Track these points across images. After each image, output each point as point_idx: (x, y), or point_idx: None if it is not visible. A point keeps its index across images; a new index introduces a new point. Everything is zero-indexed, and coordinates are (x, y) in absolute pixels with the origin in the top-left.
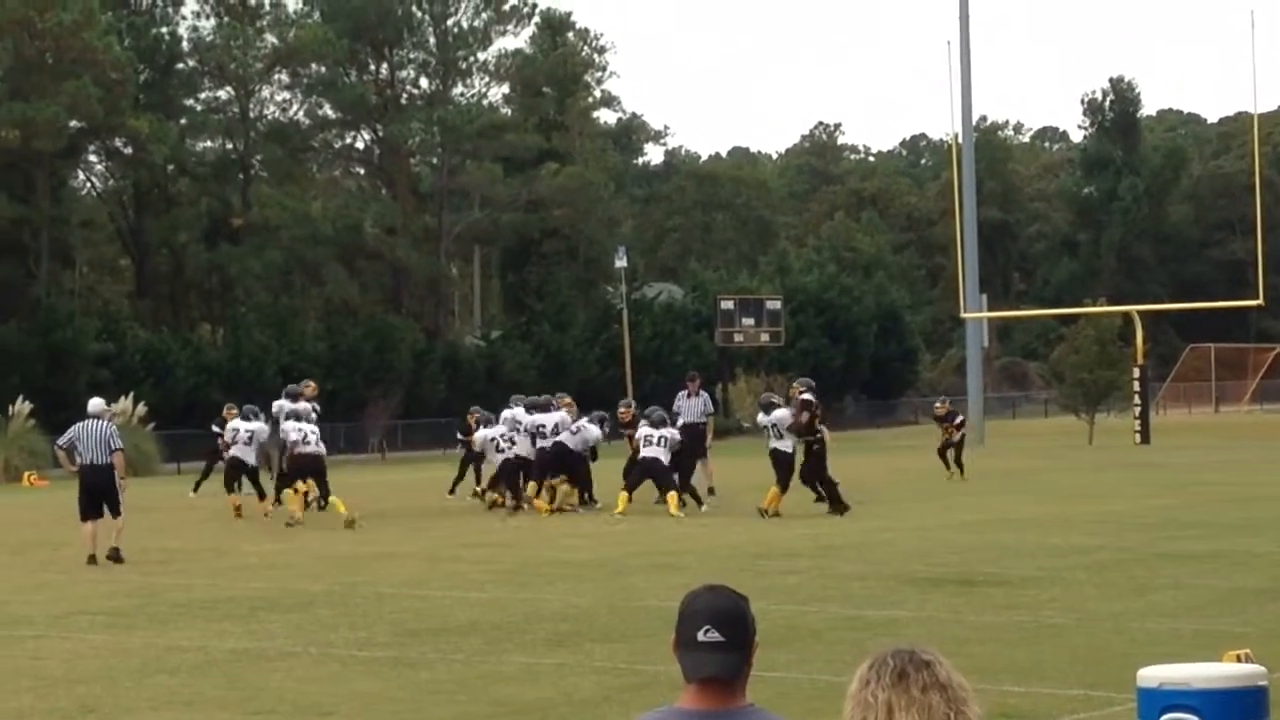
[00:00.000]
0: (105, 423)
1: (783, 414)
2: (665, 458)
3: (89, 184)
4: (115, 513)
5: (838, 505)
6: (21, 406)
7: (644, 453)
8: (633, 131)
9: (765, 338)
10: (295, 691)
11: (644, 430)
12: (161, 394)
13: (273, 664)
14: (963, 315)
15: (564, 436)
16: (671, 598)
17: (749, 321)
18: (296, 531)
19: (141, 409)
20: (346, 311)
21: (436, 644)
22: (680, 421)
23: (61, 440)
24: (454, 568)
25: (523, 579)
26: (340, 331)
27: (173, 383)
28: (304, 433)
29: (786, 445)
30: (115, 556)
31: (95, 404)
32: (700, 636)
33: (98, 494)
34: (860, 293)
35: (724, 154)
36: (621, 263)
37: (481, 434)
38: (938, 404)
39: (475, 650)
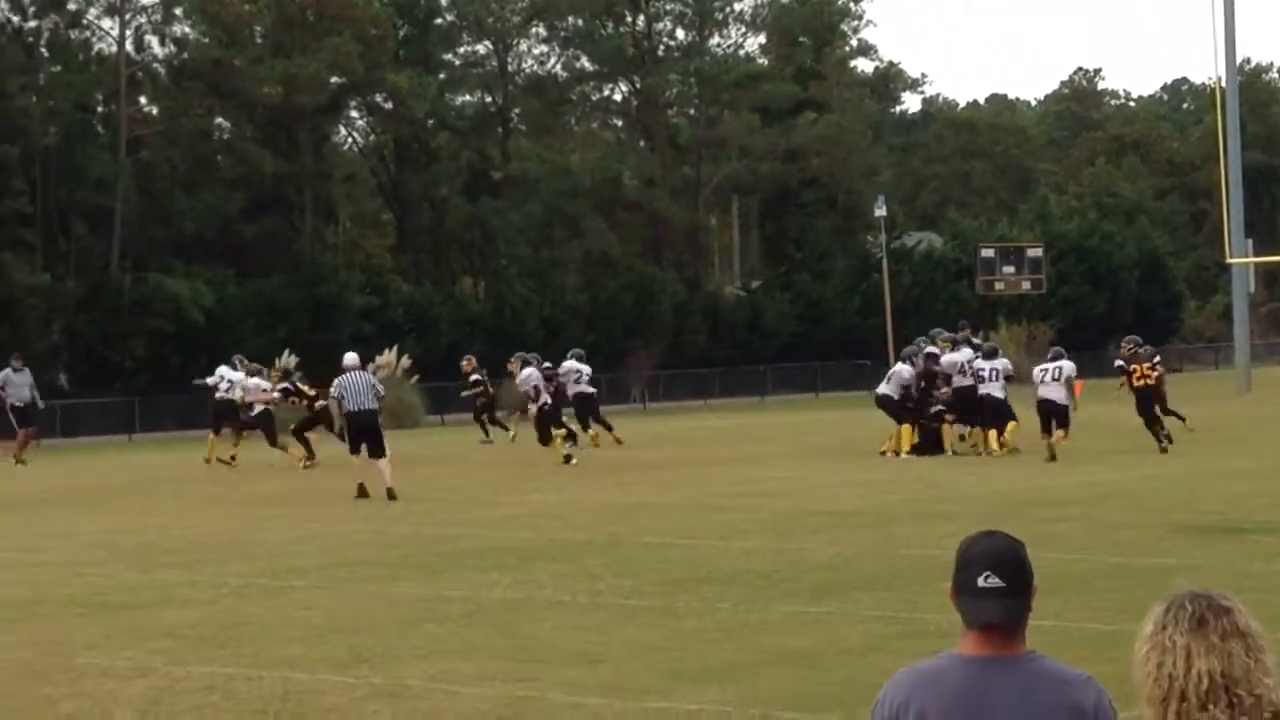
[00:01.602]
0: (363, 373)
1: (1005, 363)
2: (1001, 392)
3: (350, 139)
4: (380, 454)
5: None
6: (288, 360)
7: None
8: (890, 80)
9: (1026, 285)
10: (564, 640)
11: (979, 363)
12: (425, 347)
13: (541, 613)
14: (1228, 261)
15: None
16: (938, 546)
17: (1009, 269)
18: (564, 482)
19: (406, 362)
20: (606, 263)
21: (702, 593)
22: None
23: (333, 391)
24: (718, 517)
25: (786, 528)
26: (600, 283)
27: (435, 336)
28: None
29: (998, 389)
30: (390, 494)
31: (351, 358)
32: (980, 582)
33: (364, 433)
34: (1122, 239)
35: (982, 101)
36: (881, 211)
37: (526, 373)
38: (1124, 344)
39: (741, 599)
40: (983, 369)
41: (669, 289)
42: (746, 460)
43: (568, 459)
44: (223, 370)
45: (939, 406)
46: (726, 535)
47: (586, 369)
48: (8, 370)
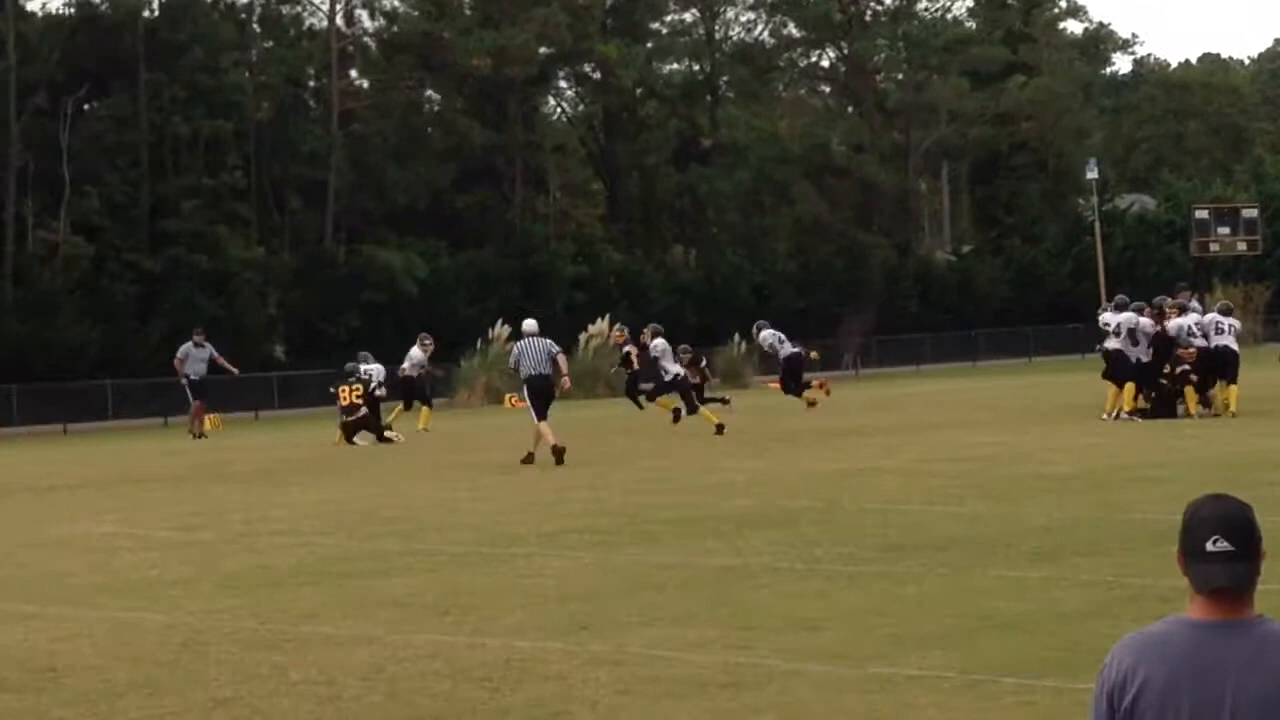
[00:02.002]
0: (542, 339)
1: (1130, 317)
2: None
3: (559, 109)
4: (541, 417)
5: None
6: (501, 330)
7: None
8: (1100, 41)
9: (1242, 247)
10: (783, 606)
11: (1216, 317)
12: (636, 315)
13: (759, 580)
14: None
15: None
16: (1157, 511)
17: (1224, 230)
18: (780, 449)
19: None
20: (817, 229)
21: (920, 558)
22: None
23: (510, 360)
24: (933, 483)
25: (1002, 492)
26: (811, 250)
27: (647, 304)
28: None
29: (1119, 345)
30: (558, 455)
31: (530, 324)
32: (1209, 546)
33: (544, 398)
34: None
35: (1194, 61)
36: (1092, 174)
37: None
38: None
39: (959, 564)
40: (1221, 323)
41: (879, 255)
42: (960, 425)
43: (720, 428)
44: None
45: (1184, 367)
46: (942, 500)
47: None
48: (189, 345)
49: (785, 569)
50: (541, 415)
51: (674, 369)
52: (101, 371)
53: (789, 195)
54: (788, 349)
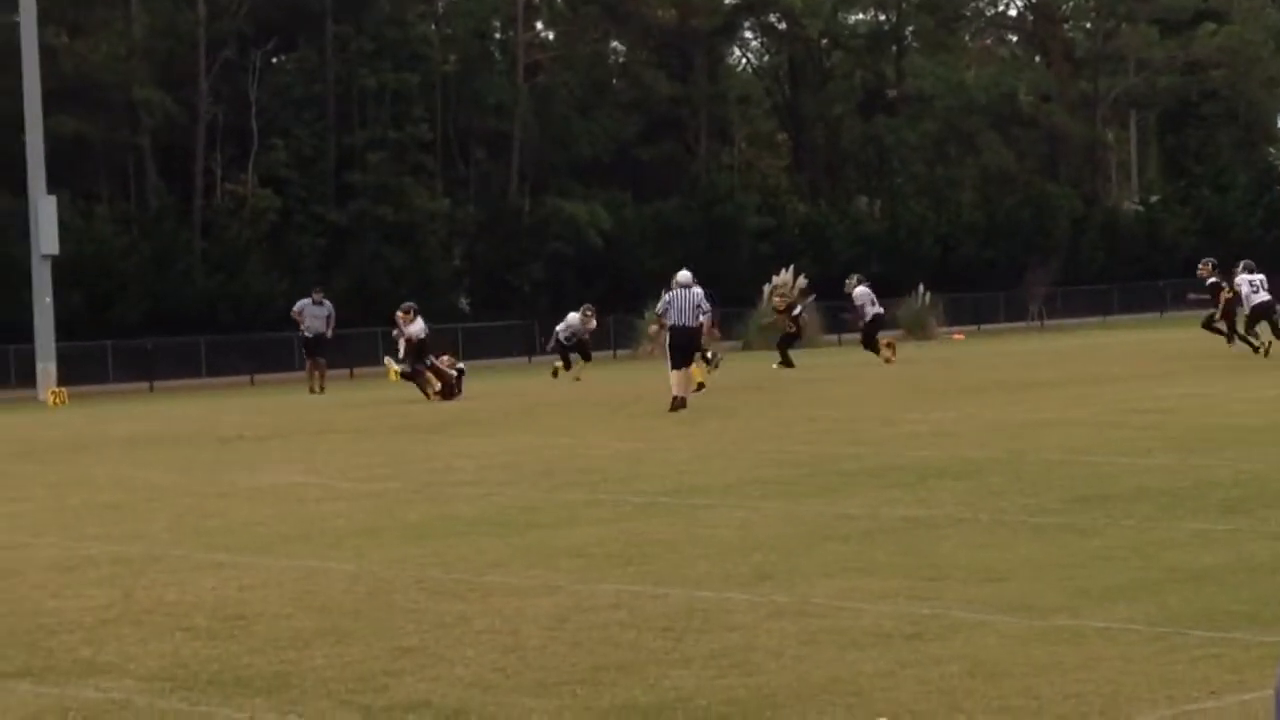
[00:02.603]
0: (693, 290)
1: None
2: None
3: (744, 60)
4: (686, 365)
5: None
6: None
7: None
8: None
9: None
10: (967, 557)
11: None
12: (820, 266)
13: (943, 530)
14: None
15: None
16: None
17: None
18: (964, 400)
19: (802, 281)
20: (1003, 180)
21: (1106, 510)
22: None
23: (659, 307)
24: (1120, 434)
25: (1191, 445)
26: (997, 200)
27: (831, 255)
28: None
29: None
30: (676, 404)
31: (684, 275)
32: None
33: (682, 349)
34: None
35: None
36: None
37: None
38: (1201, 266)
39: (1145, 516)
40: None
41: (1066, 205)
42: (1148, 377)
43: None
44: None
45: None
46: (1129, 452)
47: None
48: (307, 301)
49: (969, 520)
50: (676, 365)
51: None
52: (287, 323)
53: (975, 145)
54: (876, 310)
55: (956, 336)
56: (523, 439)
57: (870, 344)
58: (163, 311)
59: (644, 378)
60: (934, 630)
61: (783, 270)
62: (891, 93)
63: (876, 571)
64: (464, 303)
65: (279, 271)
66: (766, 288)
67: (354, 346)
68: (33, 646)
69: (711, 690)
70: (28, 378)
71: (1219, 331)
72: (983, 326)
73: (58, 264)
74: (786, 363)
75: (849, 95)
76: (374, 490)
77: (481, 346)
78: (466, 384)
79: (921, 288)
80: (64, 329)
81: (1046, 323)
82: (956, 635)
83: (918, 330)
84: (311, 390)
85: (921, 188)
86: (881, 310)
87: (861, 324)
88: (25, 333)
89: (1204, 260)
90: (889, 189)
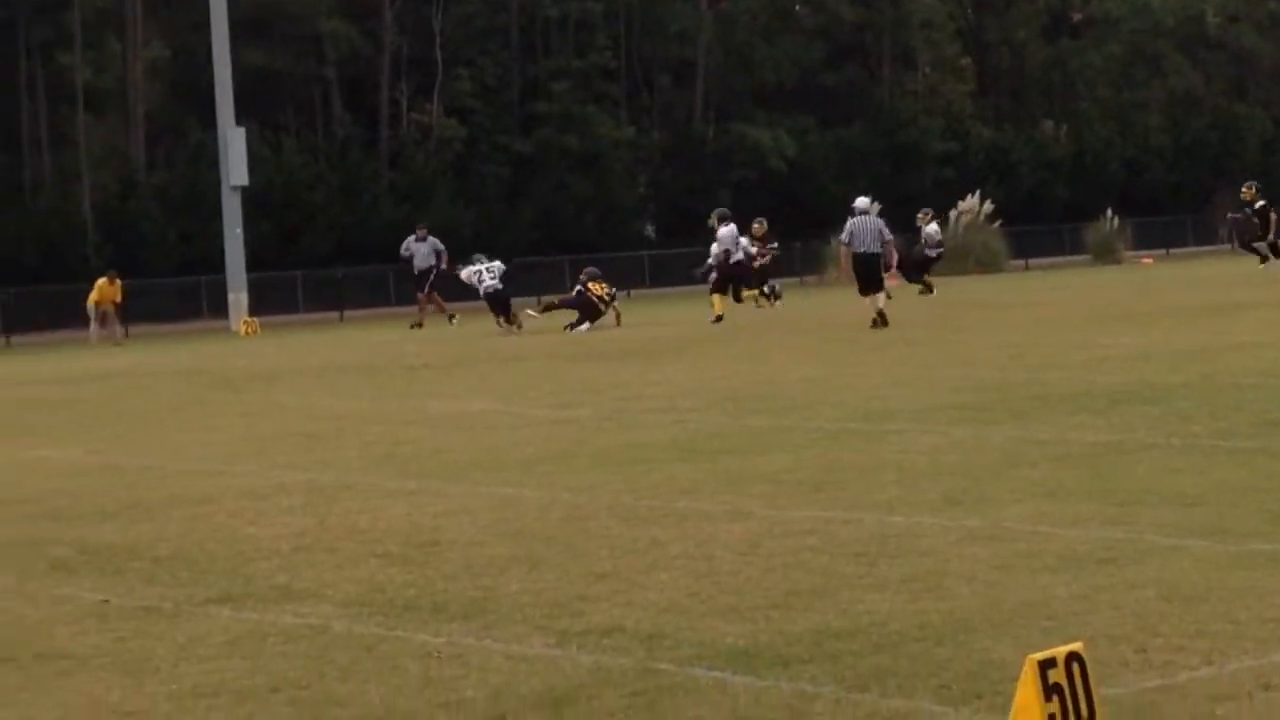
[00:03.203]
0: (874, 218)
1: None
2: None
3: None
4: (878, 289)
5: None
6: (870, 208)
7: None
8: None
9: None
10: (1159, 482)
11: None
12: (1006, 191)
13: (1134, 455)
14: None
15: None
16: None
17: None
18: (1154, 324)
19: (988, 207)
20: (1190, 102)
21: None
22: None
23: (843, 235)
24: None
25: None
26: (1184, 123)
27: (1016, 180)
28: None
29: None
30: (881, 320)
31: (862, 202)
32: None
33: (868, 275)
34: None
35: None
36: None
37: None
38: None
39: None
40: None
41: (1255, 126)
42: None
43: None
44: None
45: None
46: None
47: None
48: (411, 238)
49: (1161, 445)
50: (864, 291)
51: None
52: (473, 252)
53: (1161, 68)
54: (939, 251)
55: (1145, 261)
56: (711, 365)
57: (918, 277)
58: (350, 241)
59: (833, 303)
60: (1127, 555)
61: (968, 196)
62: (1076, 16)
63: (1068, 496)
64: (649, 230)
65: (464, 201)
66: (952, 214)
67: (540, 275)
68: (231, 573)
69: (904, 615)
70: (220, 308)
71: (1256, 251)
72: (1171, 250)
73: (247, 195)
74: (925, 288)
75: (1033, 19)
76: (563, 417)
77: (667, 274)
78: (652, 311)
79: (1110, 212)
80: (254, 259)
81: (1236, 247)
82: (1150, 560)
83: (1105, 255)
84: (450, 319)
85: (1107, 111)
86: (941, 252)
87: (920, 256)
88: (217, 264)
89: (1248, 184)
90: (1074, 113)
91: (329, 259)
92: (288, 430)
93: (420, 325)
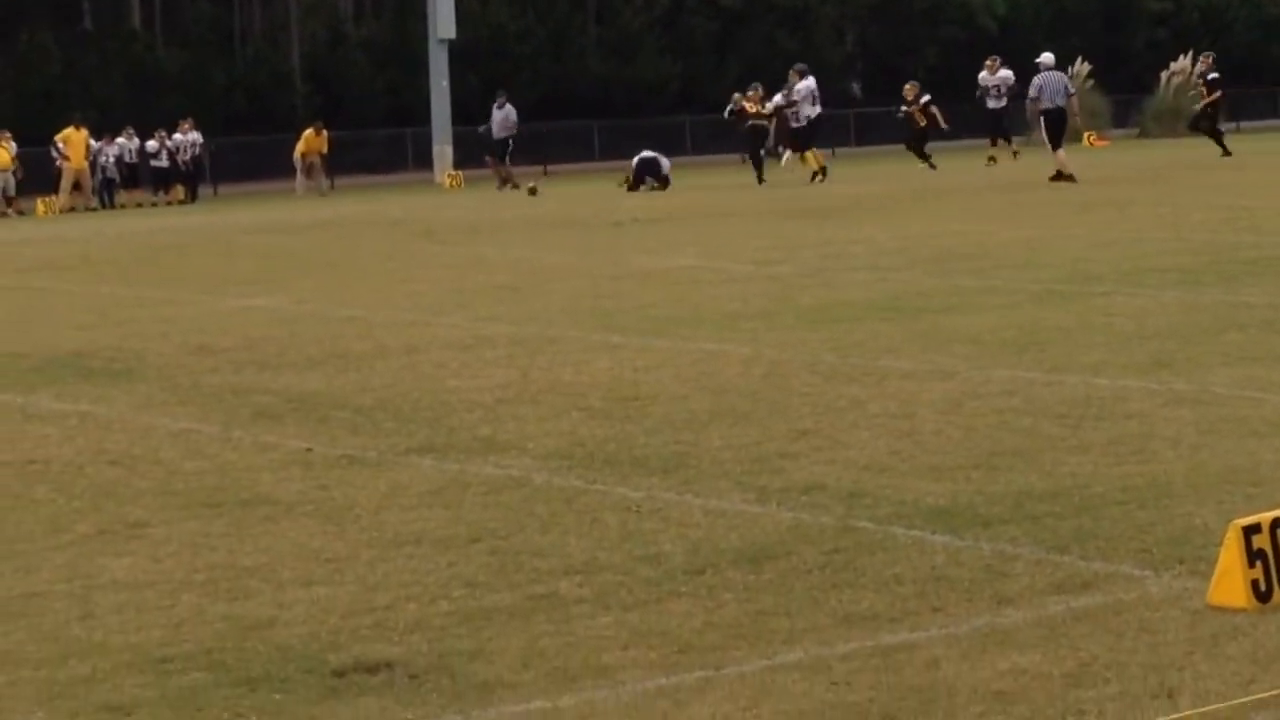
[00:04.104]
0: (1059, 72)
1: None
2: None
3: None
4: (1057, 146)
5: None
6: (1080, 67)
7: None
8: None
9: None
10: None
11: None
12: (1220, 52)
13: None
14: None
15: None
16: None
17: None
18: None
19: (1200, 67)
20: None
21: None
22: None
23: (1031, 91)
24: None
25: None
26: None
27: (1231, 40)
28: None
29: None
30: (1060, 178)
31: (1048, 57)
32: None
33: (1058, 128)
34: None
35: None
36: None
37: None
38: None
39: None
40: None
41: None
42: None
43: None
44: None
45: None
46: None
47: None
48: (493, 107)
49: None
50: (1056, 144)
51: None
52: (680, 107)
53: None
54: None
55: None
56: (916, 225)
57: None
58: (557, 95)
59: (1037, 164)
60: None
61: (1180, 56)
62: None
63: (1277, 361)
64: (855, 88)
65: (671, 55)
66: (1164, 74)
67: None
68: (435, 423)
69: (1108, 477)
70: (424, 161)
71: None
72: None
73: (454, 48)
74: (925, 161)
75: None
76: (767, 274)
77: (874, 132)
78: (857, 169)
79: None
80: (460, 112)
81: None
82: None
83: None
84: (500, 188)
85: None
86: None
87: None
88: (422, 116)
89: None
90: None
91: (534, 112)
92: (492, 283)
93: (515, 187)
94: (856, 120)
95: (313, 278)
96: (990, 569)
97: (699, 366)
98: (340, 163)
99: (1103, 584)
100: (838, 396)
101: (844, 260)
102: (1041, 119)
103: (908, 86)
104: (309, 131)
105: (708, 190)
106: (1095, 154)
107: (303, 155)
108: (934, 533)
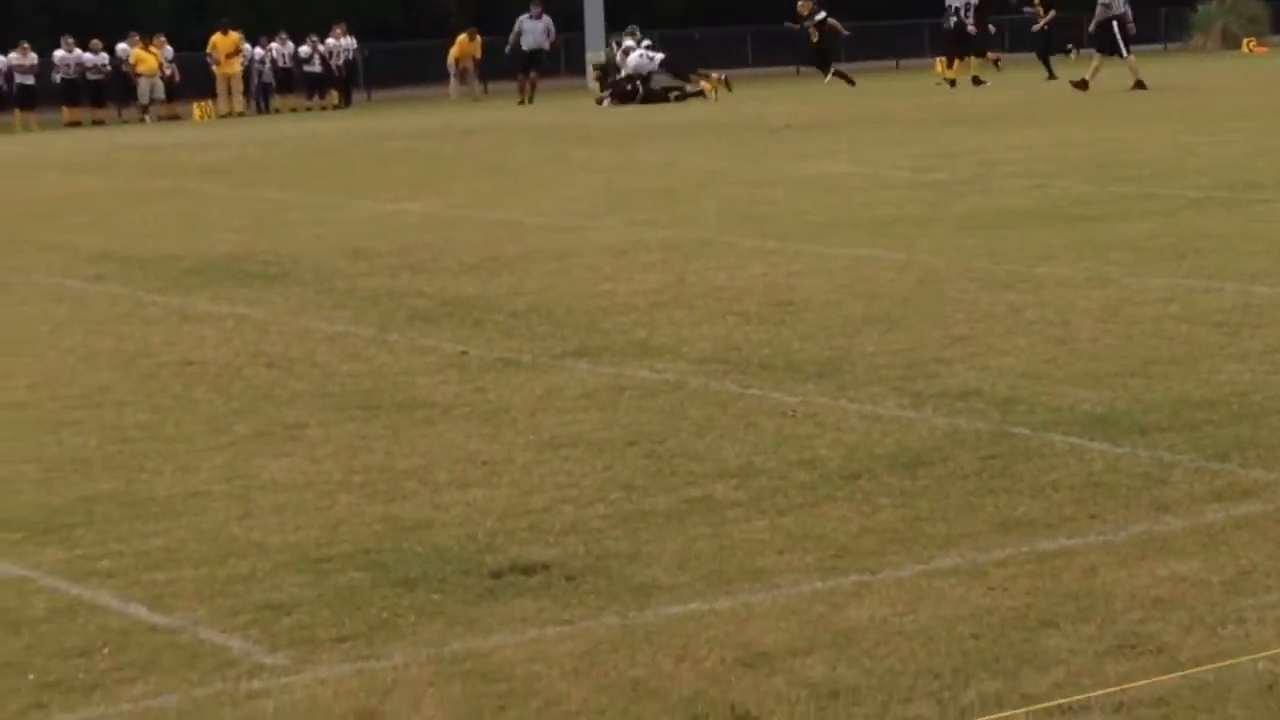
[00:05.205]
0: None
1: None
2: None
3: None
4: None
5: None
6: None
7: None
8: None
9: None
10: None
11: None
12: None
13: None
14: None
15: None
16: None
17: None
18: None
19: None
20: None
21: None
22: None
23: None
24: None
25: None
26: None
27: None
28: None
29: None
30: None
31: None
32: None
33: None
34: None
35: None
36: None
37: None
38: None
39: None
40: None
41: None
42: None
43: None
44: None
45: None
46: None
47: None
48: (524, 17)
49: None
50: (1127, 50)
51: None
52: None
53: None
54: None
55: None
56: (1072, 131)
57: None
58: (708, 1)
59: (1202, 71)
60: None
61: None
62: None
63: None
64: None
65: None
66: None
67: (901, 38)
68: (589, 327)
69: (1266, 385)
70: (578, 67)
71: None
72: None
73: None
74: (835, 75)
75: None
76: (922, 180)
77: (1021, 39)
78: (1007, 75)
79: None
80: (611, 18)
81: None
82: None
83: None
84: (521, 102)
85: None
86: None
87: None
88: (576, 22)
89: None
90: None
91: (686, 19)
92: (646, 187)
93: (530, 101)
94: (1010, 25)
95: (466, 182)
96: (1148, 476)
97: (852, 272)
98: (494, 68)
99: (1263, 492)
100: (993, 303)
101: (1000, 167)
102: (1114, 24)
103: (801, 3)
104: (463, 37)
105: (867, 96)
106: (1253, 61)
107: (456, 60)
108: (1091, 440)
